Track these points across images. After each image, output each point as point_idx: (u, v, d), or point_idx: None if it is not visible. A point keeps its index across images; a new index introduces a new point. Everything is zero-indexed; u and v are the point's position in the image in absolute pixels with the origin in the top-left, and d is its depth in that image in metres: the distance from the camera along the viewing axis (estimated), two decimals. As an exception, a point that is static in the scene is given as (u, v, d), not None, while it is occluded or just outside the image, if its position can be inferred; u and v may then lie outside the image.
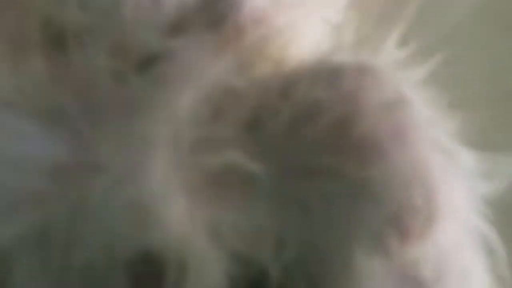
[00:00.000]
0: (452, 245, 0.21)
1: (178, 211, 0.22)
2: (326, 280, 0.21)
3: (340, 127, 0.21)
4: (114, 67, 0.26)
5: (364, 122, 0.21)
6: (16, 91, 0.26)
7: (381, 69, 0.23)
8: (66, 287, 0.23)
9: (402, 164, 0.21)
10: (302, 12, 0.26)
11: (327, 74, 0.22)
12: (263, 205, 0.22)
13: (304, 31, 0.26)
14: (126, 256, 0.23)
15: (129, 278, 0.23)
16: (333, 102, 0.21)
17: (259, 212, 0.22)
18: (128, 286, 0.23)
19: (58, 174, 0.25)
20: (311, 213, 0.21)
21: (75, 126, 0.26)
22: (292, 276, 0.22)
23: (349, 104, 0.21)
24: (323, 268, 0.21)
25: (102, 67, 0.26)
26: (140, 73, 0.26)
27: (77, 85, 0.26)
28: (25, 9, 0.27)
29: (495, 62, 0.41)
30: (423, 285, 0.20)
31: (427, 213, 0.20)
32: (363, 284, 0.20)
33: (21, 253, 0.24)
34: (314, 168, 0.21)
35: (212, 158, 0.23)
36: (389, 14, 0.27)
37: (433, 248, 0.20)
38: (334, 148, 0.21)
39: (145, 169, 0.24)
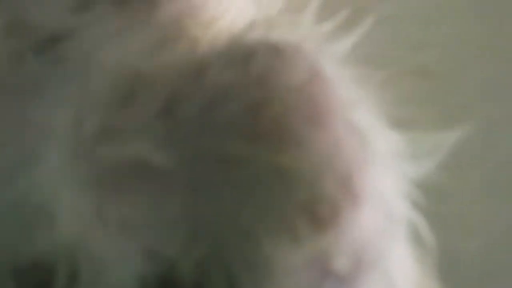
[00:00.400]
0: (372, 234, 0.20)
1: (73, 210, 0.20)
2: (241, 273, 0.20)
3: (251, 112, 0.20)
4: (10, 47, 0.24)
5: (275, 107, 0.20)
6: None
7: (296, 47, 0.21)
8: None
9: (315, 149, 0.19)
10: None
11: (238, 56, 0.21)
12: (173, 197, 0.20)
13: (227, 6, 0.24)
14: (13, 265, 0.21)
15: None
16: (244, 86, 0.20)
17: (169, 205, 0.20)
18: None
19: None
20: (222, 203, 0.20)
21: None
22: (207, 271, 0.20)
23: (260, 88, 0.20)
24: (237, 261, 0.20)
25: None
26: (39, 53, 0.24)
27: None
28: None
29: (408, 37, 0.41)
30: (338, 277, 0.19)
31: (341, 200, 0.19)
32: (276, 275, 0.19)
33: None
34: (226, 155, 0.20)
35: (118, 149, 0.21)
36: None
37: (349, 237, 0.19)
38: (246, 135, 0.20)
39: (37, 162, 0.22)
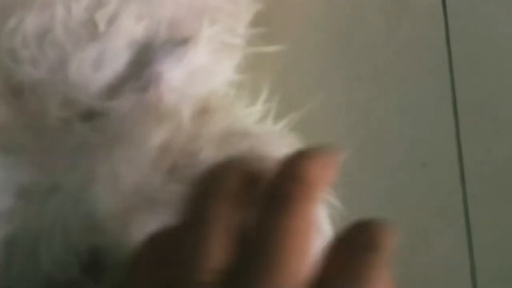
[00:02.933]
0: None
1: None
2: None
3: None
4: (62, 115, 0.36)
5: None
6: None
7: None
8: (32, 283, 0.34)
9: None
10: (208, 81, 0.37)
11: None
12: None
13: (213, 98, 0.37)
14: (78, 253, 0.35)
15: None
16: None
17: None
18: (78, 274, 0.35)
19: (23, 193, 0.35)
20: None
21: (34, 158, 0.35)
22: None
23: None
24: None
25: (53, 114, 0.35)
26: (83, 122, 0.36)
27: (34, 127, 0.35)
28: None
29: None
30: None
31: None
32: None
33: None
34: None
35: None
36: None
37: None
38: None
39: (89, 194, 0.35)
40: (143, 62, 0.36)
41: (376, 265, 0.27)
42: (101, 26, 0.35)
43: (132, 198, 0.35)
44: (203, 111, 0.38)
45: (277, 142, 0.37)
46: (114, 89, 0.36)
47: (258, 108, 0.38)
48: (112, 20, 0.36)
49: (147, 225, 0.35)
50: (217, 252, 0.27)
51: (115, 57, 0.36)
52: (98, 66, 0.36)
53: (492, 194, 0.42)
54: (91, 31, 0.35)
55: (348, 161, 0.38)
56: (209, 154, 0.36)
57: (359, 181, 0.41)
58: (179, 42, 0.36)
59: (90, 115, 0.36)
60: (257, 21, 0.38)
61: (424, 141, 0.43)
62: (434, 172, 0.43)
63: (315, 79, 0.43)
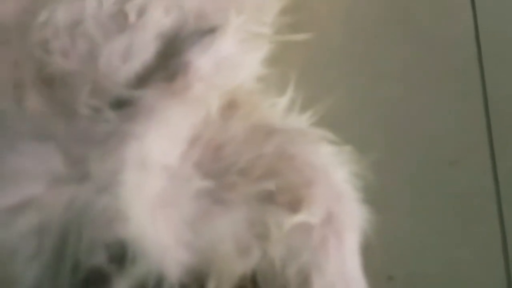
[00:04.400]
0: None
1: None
2: None
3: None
4: (92, 104, 0.36)
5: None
6: (19, 120, 0.35)
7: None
8: (59, 271, 0.34)
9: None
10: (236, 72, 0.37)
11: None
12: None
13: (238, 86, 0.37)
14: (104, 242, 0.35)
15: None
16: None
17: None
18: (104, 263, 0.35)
19: (54, 182, 0.35)
20: None
21: (65, 146, 0.35)
22: None
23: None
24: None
25: (83, 102, 0.36)
26: (113, 110, 0.36)
27: (65, 115, 0.36)
28: (22, 57, 0.35)
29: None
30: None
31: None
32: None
33: (23, 246, 0.34)
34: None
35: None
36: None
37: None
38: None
39: (118, 183, 0.35)
40: (171, 53, 0.37)
41: None
42: (131, 18, 0.36)
43: (160, 190, 0.35)
44: (230, 105, 0.38)
45: (302, 139, 0.37)
46: (143, 79, 0.36)
47: (283, 101, 0.38)
48: (141, 12, 0.36)
49: (171, 219, 0.35)
50: None
51: (144, 48, 0.37)
52: (127, 57, 0.37)
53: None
54: (120, 23, 0.36)
55: (374, 160, 0.38)
56: (235, 149, 0.36)
57: (385, 181, 0.39)
58: (206, 31, 0.37)
59: (119, 104, 0.36)
60: (285, 11, 0.39)
61: (454, 140, 0.42)
62: (466, 171, 0.42)
63: (339, 74, 0.43)
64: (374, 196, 0.36)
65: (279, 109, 0.39)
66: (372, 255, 0.34)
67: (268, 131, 0.36)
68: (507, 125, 0.42)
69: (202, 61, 0.36)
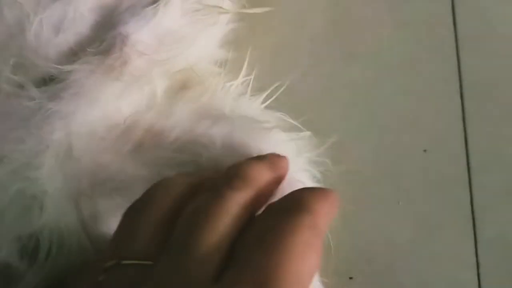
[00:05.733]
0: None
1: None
2: None
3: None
4: (17, 80, 0.32)
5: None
6: None
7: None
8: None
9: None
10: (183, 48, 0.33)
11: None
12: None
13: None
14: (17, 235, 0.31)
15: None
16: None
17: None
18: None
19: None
20: None
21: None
22: None
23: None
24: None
25: (6, 78, 0.32)
26: (38, 87, 0.32)
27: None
28: None
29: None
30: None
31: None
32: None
33: None
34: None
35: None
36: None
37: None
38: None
39: (36, 165, 0.31)
40: (109, 25, 0.33)
41: (298, 227, 0.24)
42: (64, -15, 0.32)
43: (84, 176, 0.31)
44: (182, 87, 0.34)
45: (253, 126, 0.33)
46: (75, 53, 0.32)
47: (237, 84, 0.34)
48: (76, -20, 0.32)
49: (96, 208, 0.31)
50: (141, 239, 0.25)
51: (79, 19, 0.33)
52: (59, 28, 0.32)
53: (499, 183, 0.38)
54: (53, -9, 0.32)
55: (343, 145, 0.36)
56: (177, 135, 0.32)
57: (355, 166, 0.37)
58: (148, 3, 0.33)
59: (46, 80, 0.32)
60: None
61: (427, 126, 0.39)
62: (438, 158, 0.38)
63: (304, 55, 0.39)
64: (338, 186, 0.32)
65: (232, 93, 0.34)
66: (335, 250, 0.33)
67: (216, 118, 0.32)
68: (481, 112, 0.39)
69: (142, 34, 0.32)
